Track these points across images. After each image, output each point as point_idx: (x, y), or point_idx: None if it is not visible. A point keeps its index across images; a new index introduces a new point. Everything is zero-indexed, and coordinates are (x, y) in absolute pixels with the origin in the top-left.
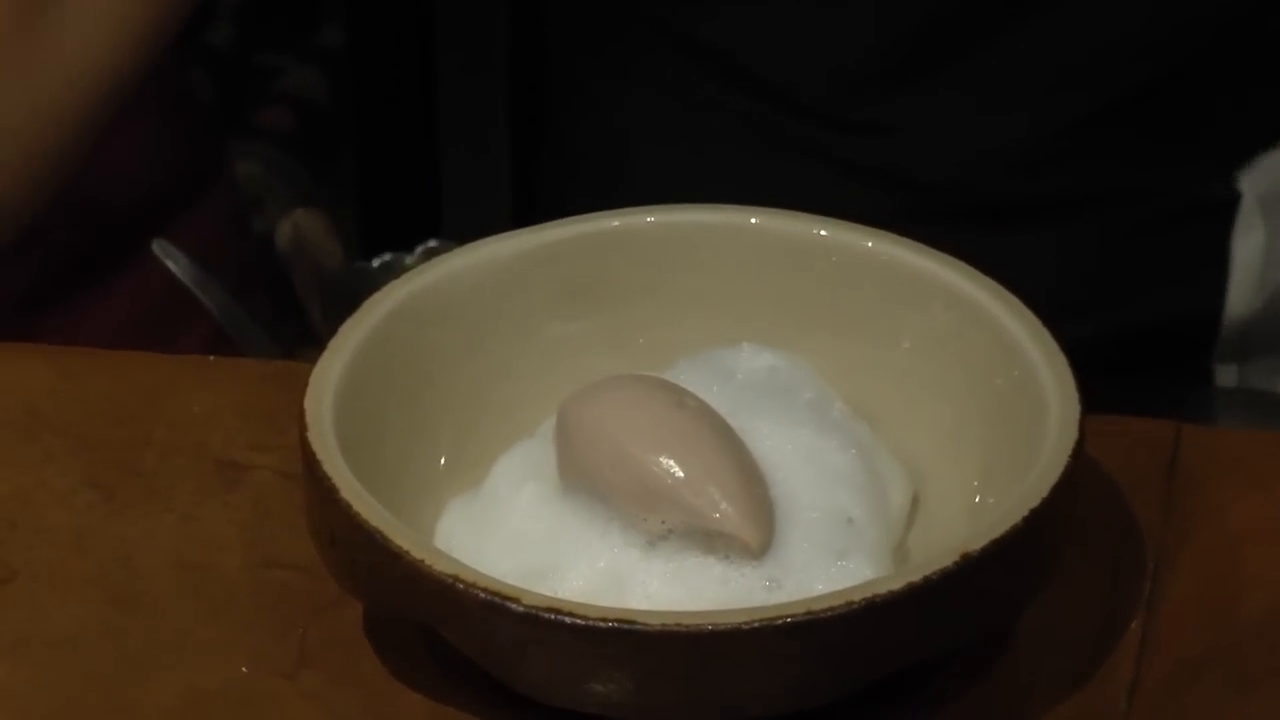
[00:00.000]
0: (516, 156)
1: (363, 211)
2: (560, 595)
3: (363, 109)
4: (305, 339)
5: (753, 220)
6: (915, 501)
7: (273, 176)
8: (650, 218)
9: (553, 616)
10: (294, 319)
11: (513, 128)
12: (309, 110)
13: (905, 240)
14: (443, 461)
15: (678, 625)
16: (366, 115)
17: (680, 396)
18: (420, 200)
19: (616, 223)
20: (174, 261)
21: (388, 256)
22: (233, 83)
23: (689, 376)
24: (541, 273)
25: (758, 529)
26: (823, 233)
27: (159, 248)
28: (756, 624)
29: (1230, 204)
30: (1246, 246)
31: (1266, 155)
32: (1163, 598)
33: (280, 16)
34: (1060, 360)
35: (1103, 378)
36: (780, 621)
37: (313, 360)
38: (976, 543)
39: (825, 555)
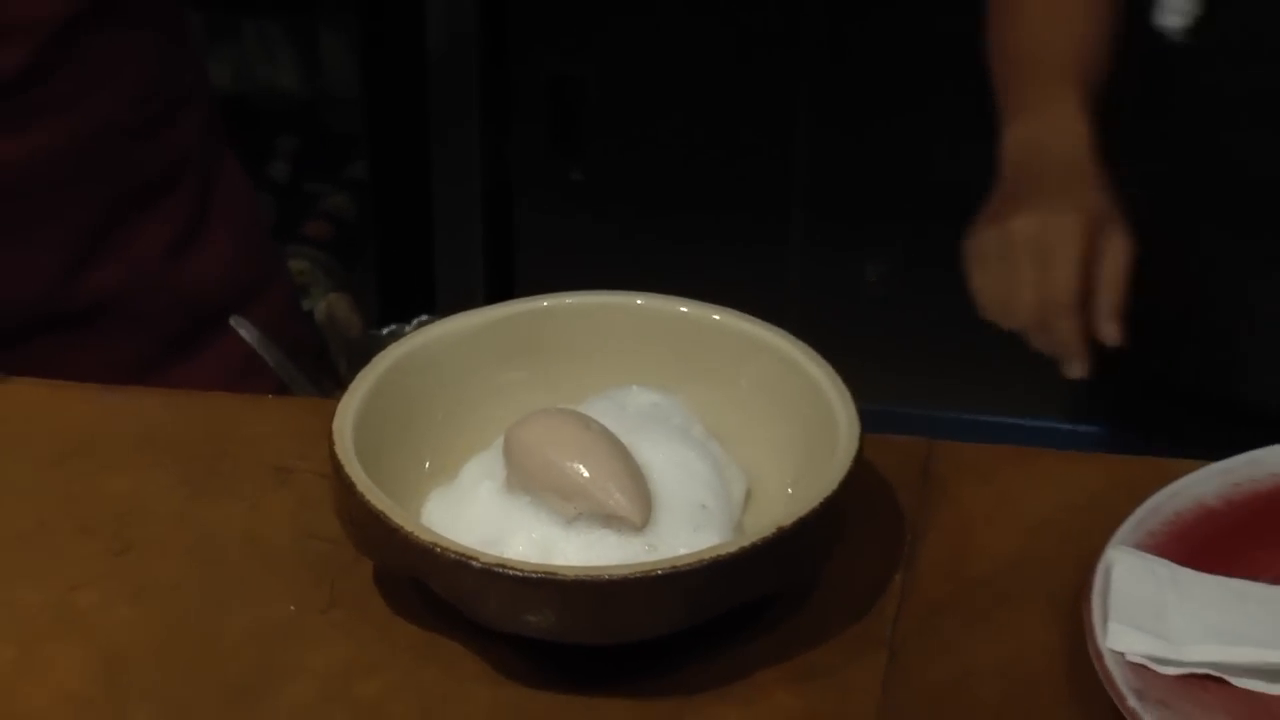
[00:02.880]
0: (488, 261)
1: (379, 295)
2: (506, 556)
3: (380, 224)
4: (336, 385)
5: (639, 301)
6: (748, 494)
7: (316, 270)
8: (569, 300)
9: (501, 570)
10: (329, 372)
11: (486, 244)
12: (342, 224)
13: (742, 314)
14: (427, 465)
15: (586, 576)
16: (383, 228)
17: (588, 422)
18: (420, 288)
19: (546, 303)
20: (246, 331)
21: (393, 326)
22: (288, 204)
23: (595, 408)
24: (494, 337)
25: (640, 511)
26: (684, 310)
27: (235, 322)
28: (639, 574)
29: None
30: None
31: None
32: (916, 559)
33: (321, 156)
34: (848, 398)
35: None
36: (656, 573)
37: (340, 398)
38: (788, 520)
39: (687, 529)
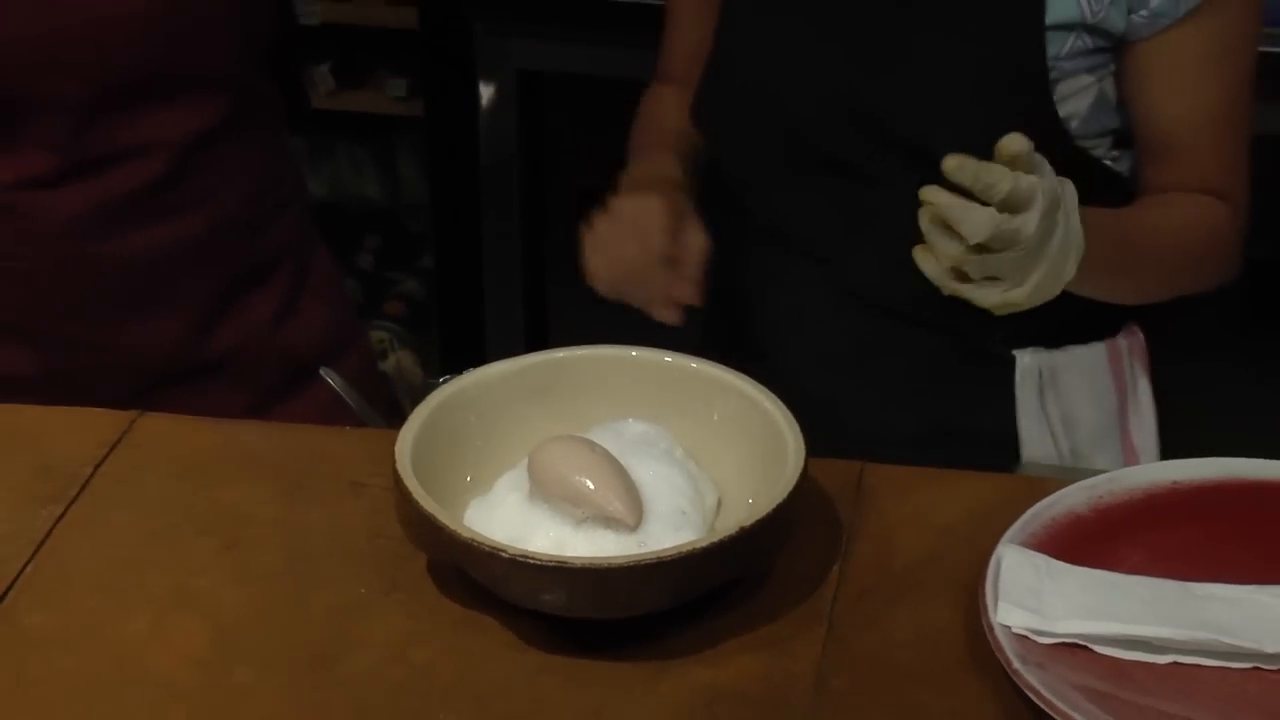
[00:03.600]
0: (527, 332)
1: (441, 358)
2: (528, 550)
3: (442, 303)
4: (401, 421)
5: (633, 353)
6: (719, 503)
7: (393, 339)
8: (579, 352)
9: (524, 560)
10: (396, 410)
11: (525, 319)
12: (413, 303)
13: (715, 364)
14: (468, 479)
15: (590, 564)
16: (444, 306)
17: (594, 446)
18: (473, 354)
19: (561, 355)
20: (333, 380)
21: (446, 376)
22: (372, 288)
23: (599, 435)
24: (520, 380)
25: (634, 515)
26: (668, 359)
27: (324, 372)
28: (633, 564)
29: (1012, 362)
30: (1024, 388)
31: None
32: (850, 554)
33: (398, 250)
34: (796, 429)
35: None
36: (645, 562)
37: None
38: (748, 522)
39: (670, 529)
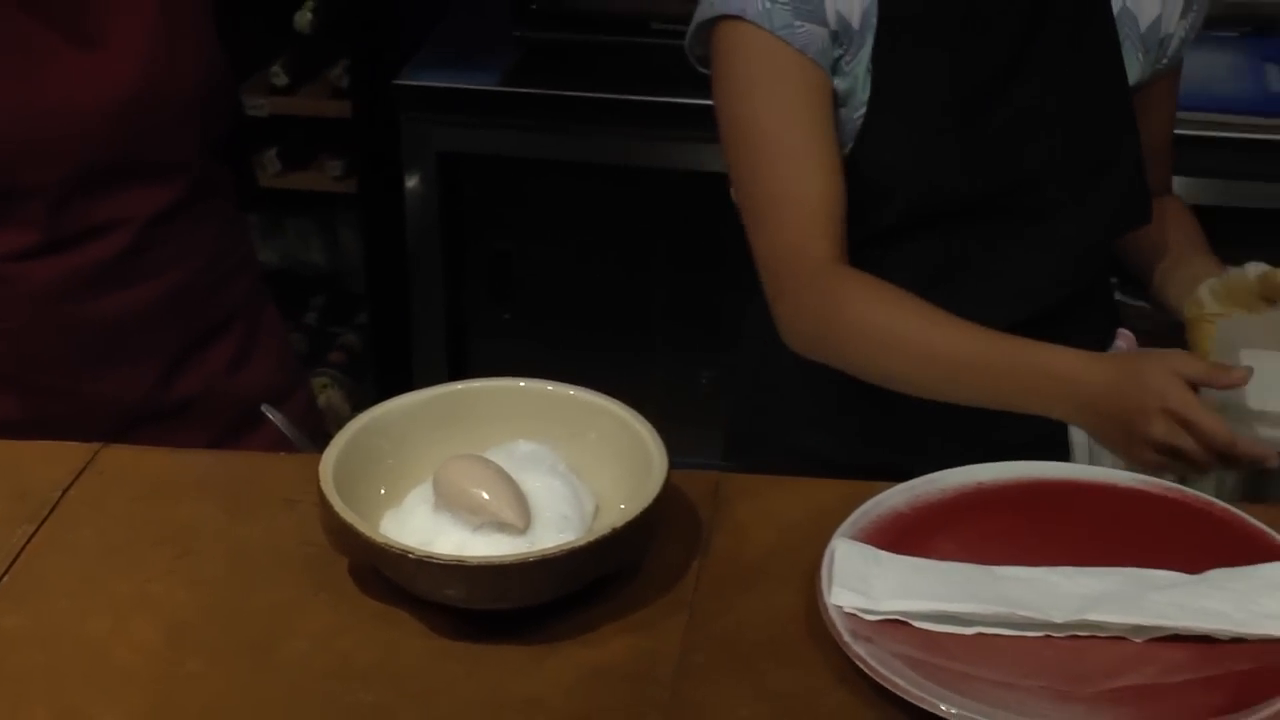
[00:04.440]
0: (449, 373)
1: (375, 396)
2: (434, 551)
3: (377, 352)
4: None
5: (521, 384)
6: (596, 508)
7: (334, 384)
8: (476, 384)
9: (429, 560)
10: (328, 439)
11: (448, 362)
12: (352, 353)
13: (591, 391)
14: (382, 493)
15: (485, 562)
16: (379, 355)
17: (489, 463)
18: (403, 390)
19: (460, 387)
20: (275, 417)
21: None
22: (317, 341)
23: (494, 454)
24: (425, 410)
25: (523, 520)
26: (550, 388)
27: (265, 408)
28: (521, 560)
29: None
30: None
31: None
32: (709, 549)
33: (339, 308)
34: (660, 444)
35: None
36: (534, 559)
37: None
38: (620, 524)
39: (554, 531)
